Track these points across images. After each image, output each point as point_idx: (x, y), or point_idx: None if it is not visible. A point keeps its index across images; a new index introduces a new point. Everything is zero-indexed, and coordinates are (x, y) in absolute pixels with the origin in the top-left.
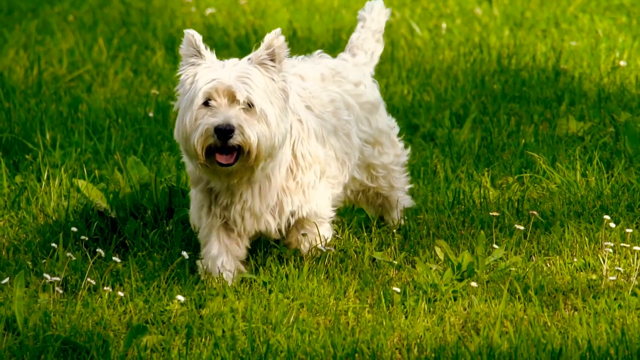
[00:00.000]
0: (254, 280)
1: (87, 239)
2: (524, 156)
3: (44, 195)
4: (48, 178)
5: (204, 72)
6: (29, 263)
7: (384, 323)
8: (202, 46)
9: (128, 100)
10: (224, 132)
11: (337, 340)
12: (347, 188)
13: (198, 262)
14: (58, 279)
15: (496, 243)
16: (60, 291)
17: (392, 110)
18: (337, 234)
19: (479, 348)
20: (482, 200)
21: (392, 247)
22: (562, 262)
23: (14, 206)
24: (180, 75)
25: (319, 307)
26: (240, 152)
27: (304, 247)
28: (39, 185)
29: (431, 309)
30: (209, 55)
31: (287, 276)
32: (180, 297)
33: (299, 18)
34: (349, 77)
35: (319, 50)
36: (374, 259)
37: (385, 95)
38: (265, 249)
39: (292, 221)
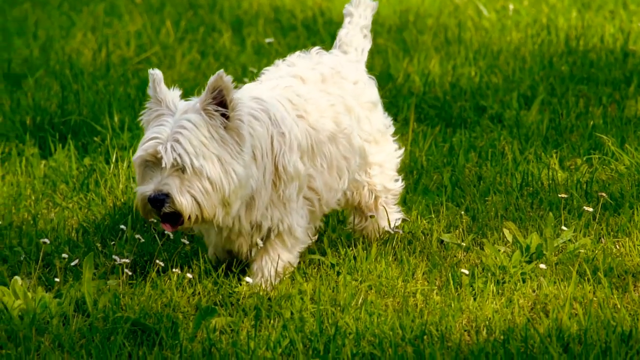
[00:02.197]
0: (322, 262)
1: (155, 220)
2: (593, 138)
3: (113, 178)
4: (116, 160)
5: (150, 128)
6: (98, 245)
7: (453, 305)
8: (158, 89)
9: (195, 82)
10: (155, 202)
11: (405, 323)
12: (348, 189)
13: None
14: (127, 260)
15: (565, 225)
16: (129, 273)
17: (459, 92)
18: (405, 216)
19: (548, 330)
20: (550, 182)
21: (461, 229)
22: (632, 244)
23: (82, 188)
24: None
25: (387, 289)
26: (181, 215)
27: (267, 269)
28: (108, 168)
29: (500, 291)
30: (166, 98)
31: (355, 258)
32: (249, 279)
33: None
34: (348, 76)
35: (317, 47)
36: (442, 241)
37: (452, 77)
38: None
39: (269, 238)
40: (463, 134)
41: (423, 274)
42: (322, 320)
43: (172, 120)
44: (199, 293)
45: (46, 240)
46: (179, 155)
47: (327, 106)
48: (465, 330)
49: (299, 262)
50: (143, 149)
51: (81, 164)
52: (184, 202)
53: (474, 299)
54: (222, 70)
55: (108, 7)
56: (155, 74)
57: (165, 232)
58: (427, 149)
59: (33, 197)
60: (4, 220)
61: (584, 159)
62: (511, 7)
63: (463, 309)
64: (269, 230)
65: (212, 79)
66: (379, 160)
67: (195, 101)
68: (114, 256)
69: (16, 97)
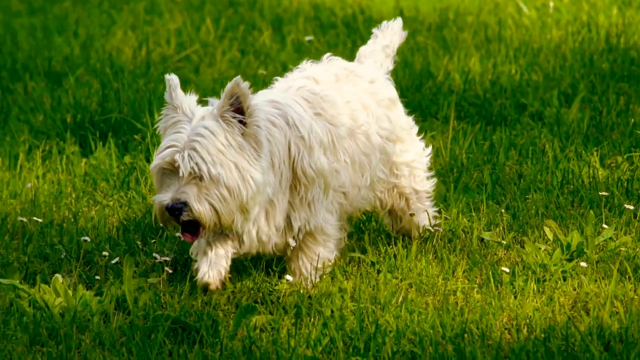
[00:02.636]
0: (363, 261)
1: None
2: (634, 135)
3: None
4: None
5: (167, 136)
6: (139, 243)
7: (493, 303)
8: (174, 94)
9: None
10: (173, 211)
11: (445, 321)
12: (375, 189)
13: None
14: (168, 258)
15: (606, 223)
16: (170, 271)
17: (500, 90)
18: (444, 214)
19: (589, 328)
20: (591, 179)
21: (501, 227)
22: None
23: (123, 186)
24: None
25: (427, 287)
26: (200, 223)
27: (304, 268)
28: (148, 166)
29: (540, 289)
30: (182, 104)
31: (395, 256)
32: (289, 277)
33: None
34: (363, 75)
35: (328, 54)
36: (482, 239)
37: (493, 75)
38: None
39: (299, 238)
40: (503, 131)
41: (463, 272)
42: (362, 318)
43: (189, 128)
44: (240, 291)
45: (87, 238)
46: (196, 163)
47: (342, 103)
48: (505, 329)
49: (340, 260)
50: (160, 157)
51: (121, 162)
52: (202, 210)
53: (515, 297)
54: (239, 76)
55: (148, 5)
56: (172, 79)
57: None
58: (467, 146)
59: (74, 195)
60: (45, 218)
61: (625, 156)
62: (551, 4)
63: (503, 307)
64: (299, 229)
65: (229, 85)
66: (406, 160)
67: (212, 107)
68: (154, 254)
69: (57, 95)
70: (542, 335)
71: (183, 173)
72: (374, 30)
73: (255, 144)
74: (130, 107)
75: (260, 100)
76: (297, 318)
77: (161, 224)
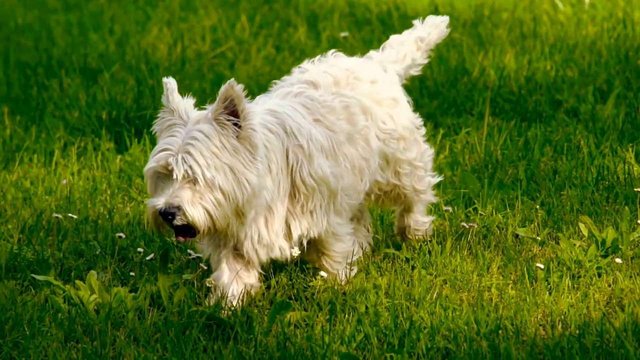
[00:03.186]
0: (397, 257)
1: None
2: None
3: None
4: None
5: (162, 139)
6: (174, 239)
7: (528, 299)
8: (171, 98)
9: (270, 77)
10: (166, 215)
11: (480, 317)
12: (371, 193)
13: (208, 282)
14: (202, 255)
15: None
16: (205, 267)
17: (535, 86)
18: (479, 210)
19: (624, 324)
20: (626, 176)
21: (536, 223)
22: None
23: None
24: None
25: (462, 284)
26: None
27: (330, 267)
28: None
29: (575, 286)
30: (179, 107)
31: (429, 252)
32: (323, 274)
33: None
34: (364, 75)
35: (333, 50)
36: (517, 235)
37: (528, 71)
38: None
39: (305, 242)
40: (538, 128)
41: (498, 268)
42: (396, 314)
43: (184, 131)
44: (274, 287)
45: (122, 234)
46: (190, 167)
47: (341, 108)
48: (540, 325)
49: (374, 257)
50: (154, 161)
51: None
52: (196, 214)
53: (549, 294)
54: (232, 79)
55: (183, 1)
56: (169, 82)
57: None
58: (502, 143)
59: (109, 192)
60: (80, 214)
61: None
62: (587, 0)
63: (538, 303)
64: (299, 237)
65: (223, 88)
66: (409, 158)
67: (207, 111)
68: (189, 250)
69: (92, 91)
70: (577, 332)
71: (177, 176)
72: (415, 21)
73: (251, 146)
74: None
75: (258, 109)
76: (331, 314)
77: (154, 229)
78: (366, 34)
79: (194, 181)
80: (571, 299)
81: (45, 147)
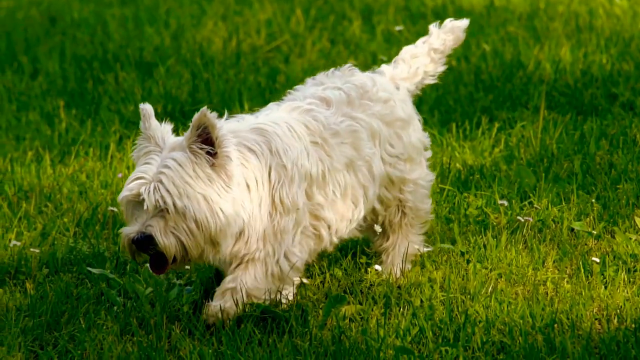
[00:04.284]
0: (452, 251)
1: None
2: None
3: None
4: None
5: (137, 166)
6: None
7: (583, 293)
8: (148, 124)
9: (325, 70)
10: (140, 244)
11: (535, 311)
12: (372, 213)
13: None
14: None
15: None
16: None
17: (590, 79)
18: (534, 205)
19: None
20: None
21: (591, 217)
22: None
23: None
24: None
25: (517, 277)
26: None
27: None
28: None
29: (631, 279)
30: (155, 134)
31: (485, 246)
32: (378, 267)
33: None
34: (377, 95)
35: (349, 64)
36: (572, 229)
37: (583, 65)
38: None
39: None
40: (594, 121)
41: (553, 262)
42: (451, 308)
43: (159, 159)
44: (329, 281)
45: None
46: (161, 196)
47: (348, 132)
48: (596, 319)
49: (429, 251)
50: (128, 189)
51: None
52: (168, 244)
53: (605, 287)
54: (205, 107)
55: None
56: (145, 108)
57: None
58: (557, 136)
59: None
60: None
61: None
62: None
63: (594, 297)
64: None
65: (195, 116)
66: (414, 178)
67: (182, 138)
68: None
69: (147, 85)
70: (633, 326)
71: (148, 206)
72: (431, 26)
73: (226, 175)
74: (220, 97)
75: (244, 127)
76: (386, 308)
77: (129, 257)
78: (421, 28)
79: (167, 210)
80: (627, 292)
81: (100, 140)
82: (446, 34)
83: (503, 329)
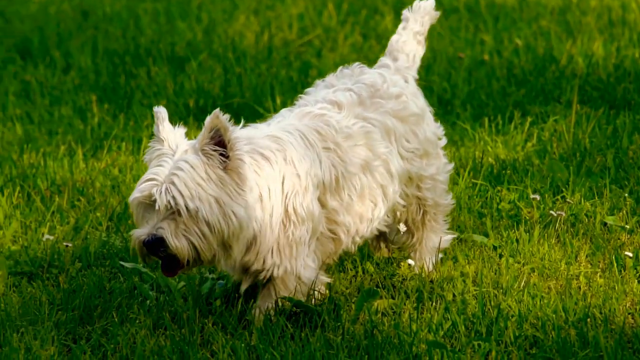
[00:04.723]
0: (485, 245)
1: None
2: None
3: None
4: None
5: (149, 169)
6: None
7: (616, 288)
8: (161, 127)
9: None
10: (150, 247)
11: (568, 305)
12: (394, 210)
13: None
14: None
15: None
16: None
17: (623, 74)
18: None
19: None
20: None
21: (624, 211)
22: None
23: None
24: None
25: (550, 272)
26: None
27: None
28: None
29: None
30: (168, 137)
31: (517, 241)
32: (410, 261)
33: None
34: (388, 92)
35: (357, 63)
36: (605, 223)
37: (616, 59)
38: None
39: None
40: (627, 115)
41: (586, 256)
42: (484, 302)
43: (171, 161)
44: (361, 275)
45: None
46: (173, 197)
47: (361, 134)
48: (629, 313)
49: (462, 245)
50: (139, 191)
51: None
52: (179, 246)
53: (638, 282)
54: (218, 109)
55: None
56: (159, 111)
57: None
58: (590, 131)
59: None
60: None
61: None
62: None
63: (627, 291)
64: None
65: (208, 118)
66: (430, 173)
67: (194, 141)
68: None
69: (179, 80)
70: None
71: (159, 207)
72: (404, 12)
73: (238, 178)
74: (252, 92)
75: (258, 134)
76: (418, 302)
77: (140, 260)
78: (453, 22)
79: (178, 212)
80: None
81: (133, 135)
82: (422, 16)
83: (536, 323)
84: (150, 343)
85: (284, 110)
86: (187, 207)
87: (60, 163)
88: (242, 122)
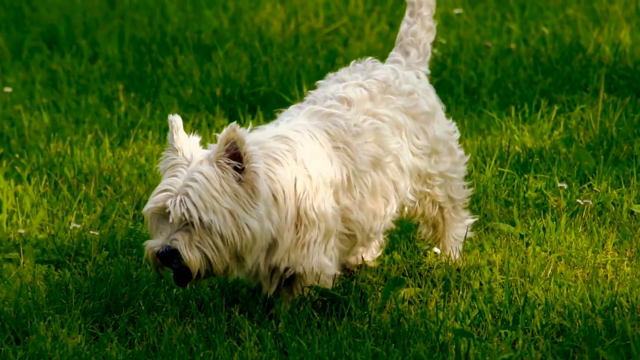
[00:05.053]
0: (511, 233)
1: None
2: None
3: None
4: None
5: (164, 179)
6: None
7: None
8: (176, 136)
9: (384, 54)
10: (164, 258)
11: (595, 294)
12: (402, 205)
13: None
14: None
15: None
16: None
17: None
18: (594, 187)
19: None
20: None
21: None
22: None
23: None
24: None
25: (576, 260)
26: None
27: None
28: None
29: None
30: (183, 146)
31: (544, 229)
32: (437, 250)
33: None
34: (400, 88)
35: (370, 58)
36: (632, 212)
37: None
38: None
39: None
40: None
41: (613, 244)
42: (511, 291)
43: (186, 172)
44: (388, 264)
45: None
46: (187, 209)
47: (371, 131)
48: None
49: (489, 234)
50: (153, 202)
51: None
52: (192, 258)
53: None
54: (234, 122)
55: None
56: (174, 120)
57: None
58: (617, 119)
59: None
60: None
61: None
62: None
63: None
64: (286, 269)
65: (224, 131)
66: (440, 171)
67: (210, 152)
68: None
69: (206, 68)
70: None
71: (173, 219)
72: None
73: (252, 191)
74: (278, 80)
75: (268, 136)
76: (445, 291)
77: (153, 270)
78: (480, 11)
79: (192, 224)
80: None
81: (159, 123)
82: (425, 3)
83: (562, 311)
84: (177, 331)
85: (292, 108)
86: (201, 220)
87: (87, 152)
88: (250, 125)
